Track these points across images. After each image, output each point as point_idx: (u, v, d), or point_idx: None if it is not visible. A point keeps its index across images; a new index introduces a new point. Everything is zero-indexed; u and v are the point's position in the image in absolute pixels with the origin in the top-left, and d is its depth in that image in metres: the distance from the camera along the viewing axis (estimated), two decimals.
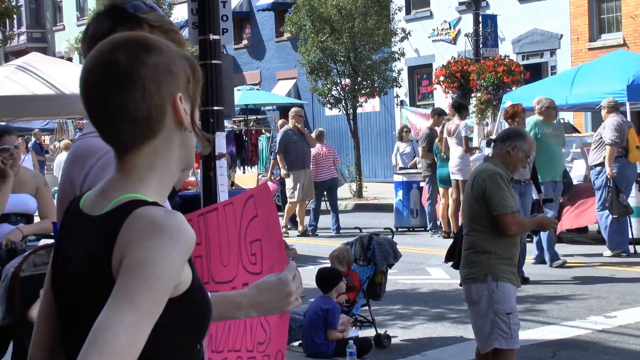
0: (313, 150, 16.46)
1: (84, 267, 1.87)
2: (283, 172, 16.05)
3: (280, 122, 20.07)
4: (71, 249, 1.94)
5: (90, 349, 1.67)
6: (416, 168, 17.28)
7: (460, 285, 6.10)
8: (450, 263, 6.42)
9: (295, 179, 15.91)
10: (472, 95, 21.19)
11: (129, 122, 1.87)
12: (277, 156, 16.19)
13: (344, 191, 22.68)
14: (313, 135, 16.77)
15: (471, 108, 21.01)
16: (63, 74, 11.30)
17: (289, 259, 2.38)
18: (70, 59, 29.65)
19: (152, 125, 1.89)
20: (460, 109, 15.07)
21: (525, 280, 9.88)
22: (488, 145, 13.12)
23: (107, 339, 1.67)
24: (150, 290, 1.72)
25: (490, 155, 6.06)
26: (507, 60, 21.02)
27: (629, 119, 14.28)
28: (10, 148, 5.82)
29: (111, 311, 1.70)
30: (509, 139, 5.85)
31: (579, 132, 19.73)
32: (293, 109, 16.80)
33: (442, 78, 21.65)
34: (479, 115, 20.50)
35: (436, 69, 23.26)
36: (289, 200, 16.25)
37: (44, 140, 28.11)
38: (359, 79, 23.17)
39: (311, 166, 16.29)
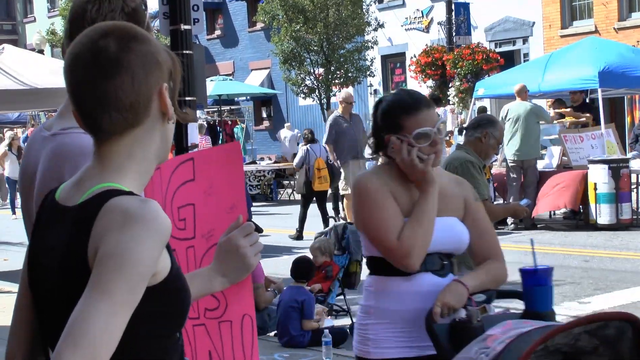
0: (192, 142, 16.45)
1: (60, 258, 1.86)
2: (336, 164, 14.25)
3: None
4: (47, 241, 1.93)
5: (66, 341, 1.67)
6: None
7: None
8: None
9: (347, 169, 14.17)
10: (450, 84, 21.30)
11: (115, 109, 1.86)
12: (327, 147, 14.48)
13: None
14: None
15: (450, 97, 21.14)
16: (33, 68, 11.22)
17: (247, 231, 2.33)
18: (41, 51, 29.43)
19: (138, 114, 1.89)
20: (436, 101, 15.51)
21: None
22: (460, 133, 13.29)
23: (82, 330, 1.67)
24: (124, 280, 1.72)
25: (461, 143, 6.08)
26: (481, 47, 21.15)
27: (600, 105, 14.43)
28: (431, 132, 3.26)
29: (86, 302, 1.70)
30: (479, 126, 5.87)
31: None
32: (341, 94, 15.29)
33: (424, 66, 21.73)
34: (460, 104, 20.61)
35: (411, 57, 23.32)
36: (342, 192, 14.57)
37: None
38: (333, 68, 23.16)
39: None
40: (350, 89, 26.38)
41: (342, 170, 14.31)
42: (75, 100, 1.91)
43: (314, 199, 14.55)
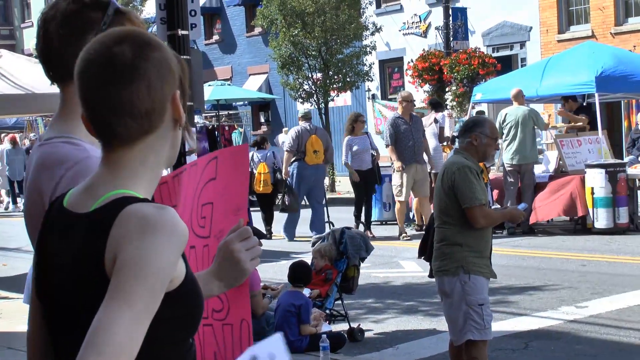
0: None
1: (73, 265, 1.84)
2: (397, 165, 13.88)
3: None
4: (57, 248, 1.91)
5: (89, 349, 1.66)
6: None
7: (429, 276, 6.15)
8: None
9: (404, 174, 13.91)
10: (447, 89, 21.34)
11: (131, 116, 1.85)
12: (388, 149, 14.06)
13: None
14: None
15: (447, 102, 21.18)
16: (30, 73, 11.21)
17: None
18: None
19: (153, 121, 1.88)
20: (436, 105, 15.52)
21: None
22: (452, 142, 13.37)
23: (106, 338, 1.66)
24: (145, 288, 1.72)
25: (458, 148, 6.11)
26: (478, 52, 21.19)
27: (597, 110, 14.45)
28: None
29: (108, 310, 1.69)
30: (467, 130, 5.90)
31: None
32: (401, 93, 14.78)
33: (422, 71, 21.77)
34: (458, 109, 20.63)
35: (409, 62, 23.34)
36: (396, 198, 14.25)
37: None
38: (331, 73, 23.17)
39: None
40: (348, 94, 26.46)
41: (397, 174, 13.98)
42: (87, 106, 1.89)
43: (265, 200, 15.35)
